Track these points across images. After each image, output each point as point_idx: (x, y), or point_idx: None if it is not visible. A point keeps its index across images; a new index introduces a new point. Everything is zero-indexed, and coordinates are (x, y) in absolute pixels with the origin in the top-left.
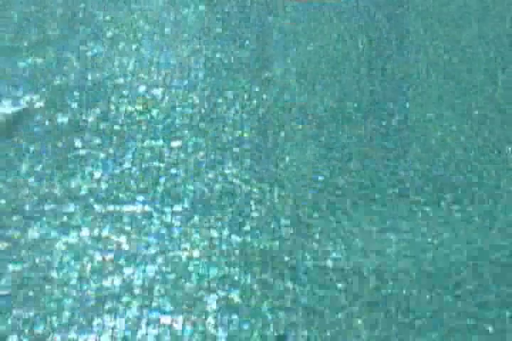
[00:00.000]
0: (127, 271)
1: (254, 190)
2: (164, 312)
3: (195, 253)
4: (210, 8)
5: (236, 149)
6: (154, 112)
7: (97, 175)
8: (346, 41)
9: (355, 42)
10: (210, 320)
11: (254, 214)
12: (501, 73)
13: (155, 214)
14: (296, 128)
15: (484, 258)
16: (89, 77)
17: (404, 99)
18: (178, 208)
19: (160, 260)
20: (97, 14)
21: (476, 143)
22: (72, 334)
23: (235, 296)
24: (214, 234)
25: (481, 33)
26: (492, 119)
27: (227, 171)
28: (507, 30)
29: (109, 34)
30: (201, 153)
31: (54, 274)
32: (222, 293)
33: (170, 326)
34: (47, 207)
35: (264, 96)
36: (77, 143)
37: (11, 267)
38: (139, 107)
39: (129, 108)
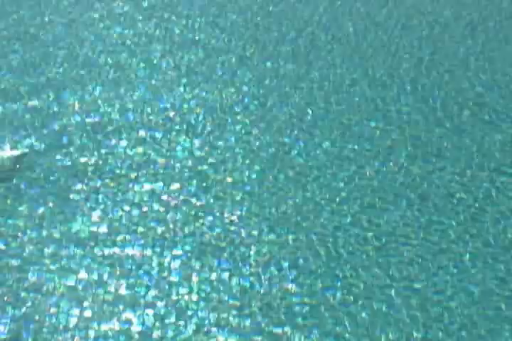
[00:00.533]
0: (126, 315)
1: (254, 233)
2: None
3: (194, 298)
4: (209, 54)
5: (236, 192)
6: (154, 155)
7: (97, 218)
8: (343, 86)
9: (351, 87)
10: None
11: (254, 258)
12: None
13: (154, 258)
14: (296, 172)
15: None
16: (89, 120)
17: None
18: (177, 252)
19: (159, 304)
20: (97, 58)
21: None
22: None
23: None
24: (213, 277)
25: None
26: None
27: (226, 214)
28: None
29: (109, 77)
30: (201, 196)
31: (53, 319)
32: (221, 338)
33: None
34: (46, 251)
35: (264, 139)
36: (77, 186)
37: (10, 311)
38: (139, 150)
39: (129, 151)
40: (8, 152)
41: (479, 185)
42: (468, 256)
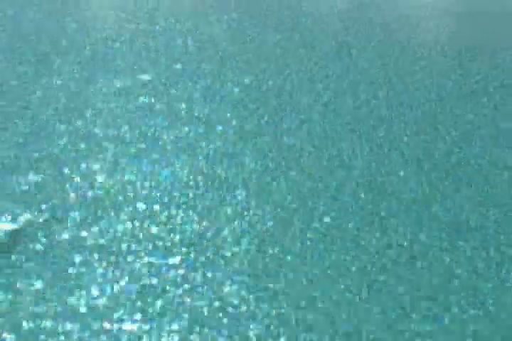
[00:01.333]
0: None
1: (252, 308)
2: None
3: None
4: (208, 129)
5: (235, 266)
6: (153, 229)
7: (96, 292)
8: (342, 155)
9: (349, 160)
10: None
11: (252, 333)
12: None
13: (153, 333)
14: (294, 245)
15: None
16: (89, 194)
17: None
18: (175, 326)
19: None
20: (97, 131)
21: None
22: None
23: None
24: None
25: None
26: None
27: (225, 289)
28: None
29: (109, 151)
30: (199, 271)
31: None
32: None
33: None
34: (44, 325)
35: (263, 213)
36: (76, 260)
37: None
38: (138, 224)
39: (128, 224)
40: (5, 226)
41: None
42: None
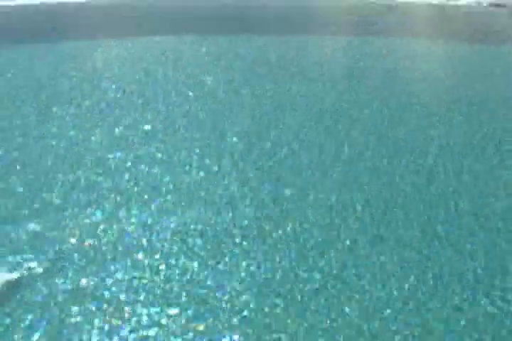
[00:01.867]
0: None
1: None
2: None
3: None
4: (209, 176)
5: (234, 318)
6: (152, 279)
7: None
8: (342, 212)
9: (350, 219)
10: None
11: None
12: None
13: None
14: (294, 297)
15: None
16: (88, 244)
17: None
18: None
19: None
20: (97, 181)
21: None
22: None
23: None
24: None
25: None
26: None
27: (224, 340)
28: None
29: (109, 201)
30: (199, 321)
31: None
32: None
33: None
34: None
35: (264, 263)
36: (74, 310)
37: None
38: (137, 274)
39: (127, 275)
40: (3, 275)
41: None
42: None
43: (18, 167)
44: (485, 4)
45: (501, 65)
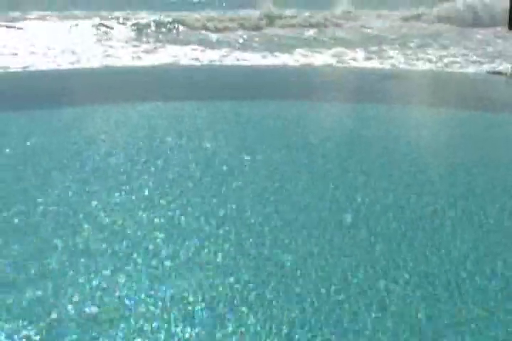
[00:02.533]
0: None
1: None
2: None
3: None
4: (208, 243)
5: None
6: None
7: None
8: (342, 276)
9: (351, 277)
10: None
11: None
12: None
13: None
14: None
15: None
16: (86, 311)
17: None
18: None
19: None
20: (96, 246)
21: None
22: None
23: None
24: None
25: None
26: None
27: None
28: None
29: (107, 267)
30: None
31: None
32: None
33: None
34: None
35: (264, 331)
36: None
37: None
38: None
39: None
40: None
41: None
42: None
43: (16, 233)
44: (484, 72)
45: (500, 132)
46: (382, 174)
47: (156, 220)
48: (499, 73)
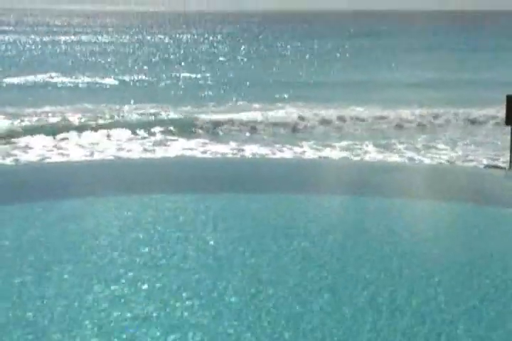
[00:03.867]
0: None
1: None
2: None
3: None
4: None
5: None
6: None
7: None
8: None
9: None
10: None
11: None
12: None
13: None
14: None
15: None
16: None
17: None
18: None
19: None
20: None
21: None
22: None
23: None
24: None
25: None
26: None
27: None
28: None
29: None
30: None
31: None
32: None
33: None
34: None
35: None
36: None
37: None
38: None
39: None
40: None
41: None
42: None
43: (14, 326)
44: (482, 166)
45: (499, 226)
46: (383, 269)
47: (155, 314)
48: (497, 167)
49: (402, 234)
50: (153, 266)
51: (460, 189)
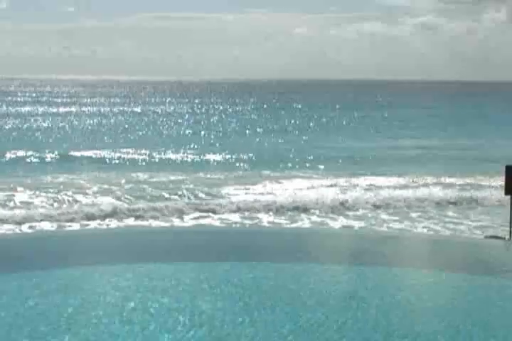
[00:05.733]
0: None
1: None
2: None
3: None
4: None
5: None
6: None
7: None
8: None
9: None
10: None
11: None
12: None
13: None
14: None
15: None
16: None
17: None
18: None
19: None
20: None
21: None
22: None
23: None
24: None
25: None
26: None
27: None
28: None
29: None
30: None
31: None
32: None
33: None
34: None
35: None
36: None
37: None
38: None
39: None
40: None
41: None
42: None
43: None
44: (481, 236)
45: (498, 296)
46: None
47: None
48: (497, 237)
49: (402, 303)
50: (148, 335)
51: (459, 258)
